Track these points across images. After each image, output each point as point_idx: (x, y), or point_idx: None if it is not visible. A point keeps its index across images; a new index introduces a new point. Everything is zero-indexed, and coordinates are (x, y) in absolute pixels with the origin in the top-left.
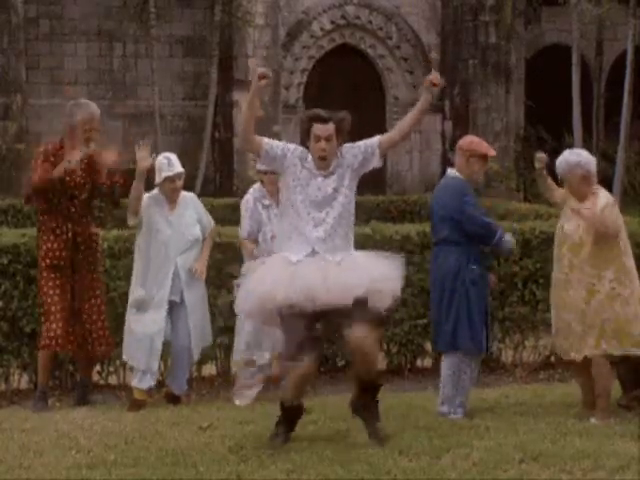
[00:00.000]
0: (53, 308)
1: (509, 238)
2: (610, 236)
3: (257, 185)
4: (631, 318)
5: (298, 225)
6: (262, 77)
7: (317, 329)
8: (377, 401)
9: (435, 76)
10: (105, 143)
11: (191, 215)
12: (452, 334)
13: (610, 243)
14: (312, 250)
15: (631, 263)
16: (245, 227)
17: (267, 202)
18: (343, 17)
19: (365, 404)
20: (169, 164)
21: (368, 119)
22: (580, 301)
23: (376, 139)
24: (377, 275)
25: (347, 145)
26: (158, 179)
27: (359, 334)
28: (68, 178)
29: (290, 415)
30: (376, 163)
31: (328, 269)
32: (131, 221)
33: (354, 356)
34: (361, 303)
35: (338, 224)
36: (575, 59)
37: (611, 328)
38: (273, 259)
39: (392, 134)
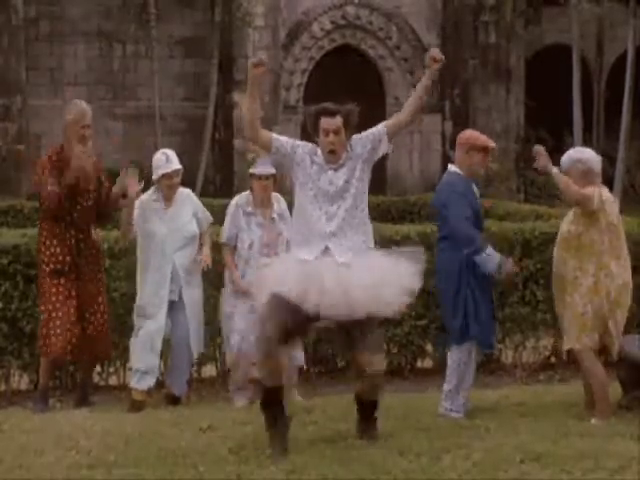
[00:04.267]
0: (54, 314)
1: (493, 257)
2: (586, 203)
3: (245, 192)
4: (609, 313)
5: (310, 220)
6: (257, 65)
7: (303, 328)
8: (375, 418)
9: (435, 52)
10: (104, 143)
11: (187, 212)
12: (462, 326)
13: (591, 238)
14: (325, 247)
15: (617, 263)
16: (225, 231)
17: (249, 210)
18: (343, 17)
19: (363, 419)
20: (167, 160)
21: (368, 119)
22: (567, 295)
23: (382, 125)
24: (388, 282)
25: (355, 136)
26: (155, 176)
27: (371, 360)
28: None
29: (272, 403)
30: (385, 149)
31: (339, 277)
32: (122, 242)
33: (362, 378)
34: (369, 319)
35: (350, 216)
36: (575, 59)
37: (591, 322)
38: (288, 258)
39: (399, 117)
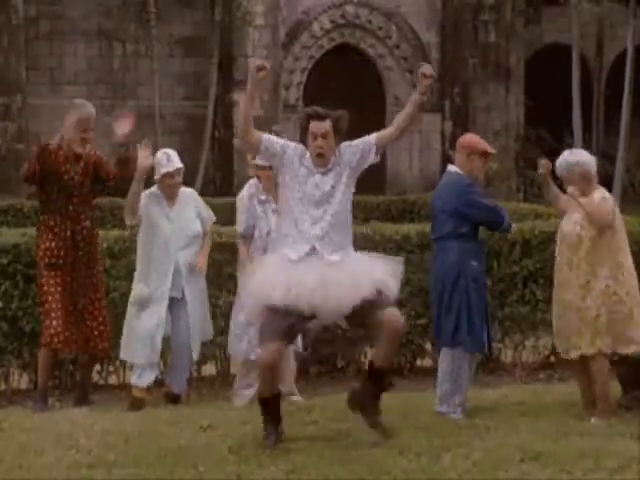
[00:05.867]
0: (53, 306)
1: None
2: (603, 224)
3: (253, 181)
4: (625, 316)
5: (296, 223)
6: (259, 69)
7: (302, 326)
8: (379, 397)
9: (426, 68)
10: (105, 143)
11: (191, 211)
12: (453, 330)
13: (606, 240)
14: (311, 247)
15: (628, 262)
16: (241, 223)
17: (263, 197)
18: (343, 17)
19: (367, 397)
20: (168, 160)
21: (368, 119)
22: (577, 299)
23: (373, 137)
24: (375, 278)
25: (345, 143)
26: (157, 175)
27: (394, 314)
28: (66, 177)
29: (269, 407)
30: (373, 160)
31: (327, 274)
32: (128, 221)
33: (384, 336)
34: (380, 293)
35: (336, 221)
36: (575, 58)
37: (605, 326)
38: (272, 258)
39: (389, 130)
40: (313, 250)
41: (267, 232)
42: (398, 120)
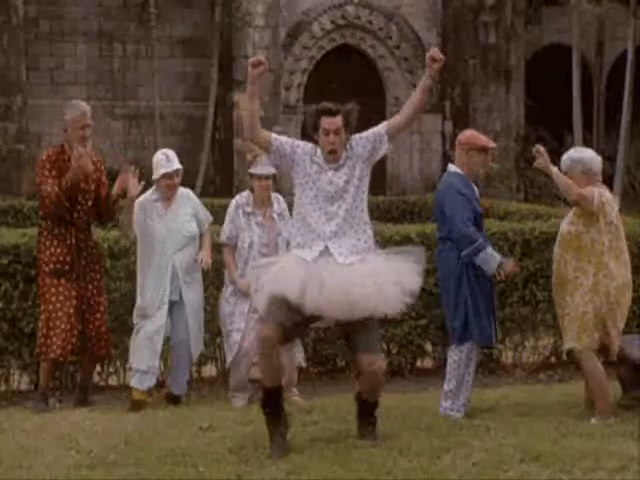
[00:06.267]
0: (54, 315)
1: (495, 257)
2: (586, 207)
3: (245, 192)
4: (608, 313)
5: (310, 221)
6: (256, 65)
7: (303, 329)
8: (375, 418)
9: (435, 51)
10: (105, 143)
11: (187, 212)
12: (462, 327)
13: (592, 238)
14: (325, 247)
15: (615, 262)
16: (225, 231)
17: (249, 209)
18: (343, 17)
19: (362, 420)
20: (167, 160)
21: (368, 119)
22: (567, 295)
23: (383, 126)
24: (389, 283)
25: (355, 136)
26: (155, 175)
27: (372, 360)
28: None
29: (270, 396)
30: (385, 150)
31: (337, 276)
32: (124, 240)
33: (363, 379)
34: (368, 319)
35: (351, 216)
36: (575, 59)
37: (591, 321)
38: (288, 258)
39: (398, 118)
40: (326, 250)
41: (249, 244)
42: (406, 108)
